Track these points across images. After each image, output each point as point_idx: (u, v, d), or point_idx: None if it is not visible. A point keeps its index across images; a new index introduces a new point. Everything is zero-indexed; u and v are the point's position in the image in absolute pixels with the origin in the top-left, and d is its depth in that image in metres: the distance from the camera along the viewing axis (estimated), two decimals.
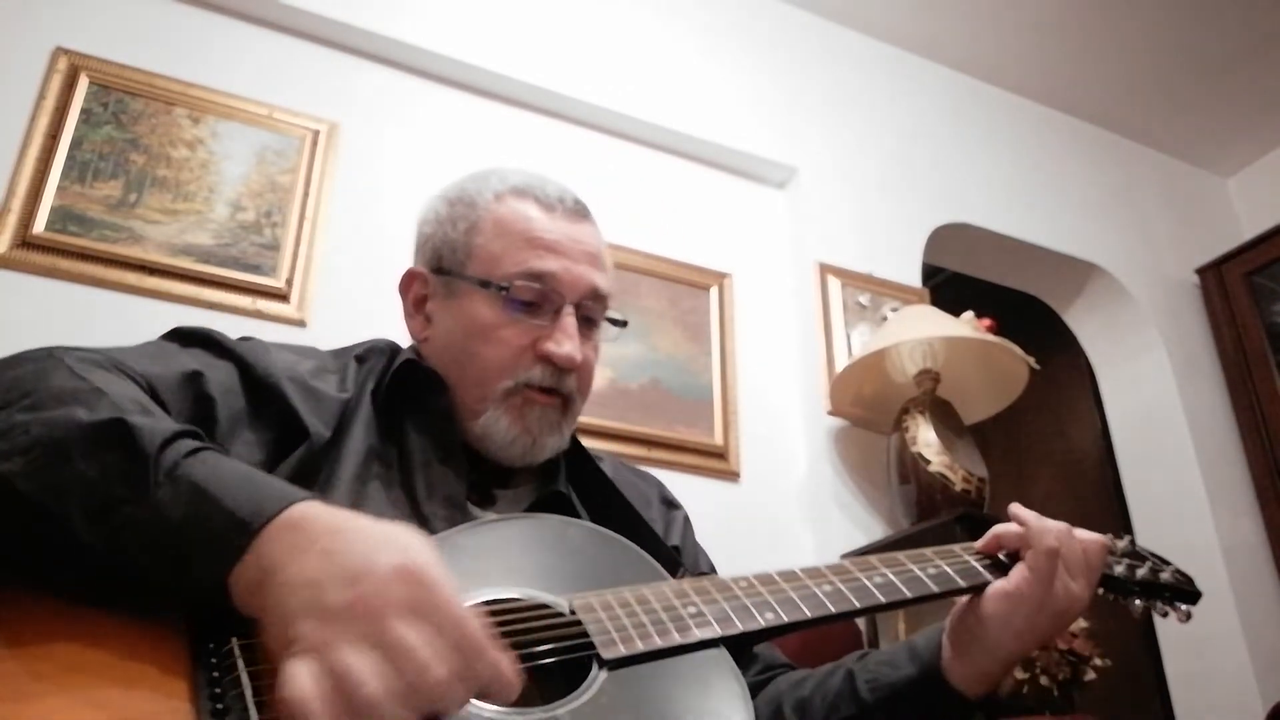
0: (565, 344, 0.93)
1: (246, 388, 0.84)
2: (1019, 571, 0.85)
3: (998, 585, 0.85)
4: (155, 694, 0.54)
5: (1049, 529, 0.87)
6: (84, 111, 1.98)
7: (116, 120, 2.01)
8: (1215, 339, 3.22)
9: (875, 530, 2.34)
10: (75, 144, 1.94)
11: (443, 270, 0.99)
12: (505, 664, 0.54)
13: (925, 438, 2.18)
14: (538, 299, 0.95)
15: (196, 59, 2.14)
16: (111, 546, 0.58)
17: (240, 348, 0.88)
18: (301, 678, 0.50)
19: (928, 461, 2.15)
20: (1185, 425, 2.99)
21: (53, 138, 1.92)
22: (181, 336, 0.88)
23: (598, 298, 0.98)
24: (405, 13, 2.36)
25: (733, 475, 2.33)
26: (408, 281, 1.04)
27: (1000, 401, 2.41)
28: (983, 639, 0.85)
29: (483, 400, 0.94)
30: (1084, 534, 0.90)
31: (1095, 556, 0.89)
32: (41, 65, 1.97)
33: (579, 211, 1.01)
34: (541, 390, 0.94)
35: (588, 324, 0.99)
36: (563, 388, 0.95)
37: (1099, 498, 3.36)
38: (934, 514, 2.11)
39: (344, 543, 0.56)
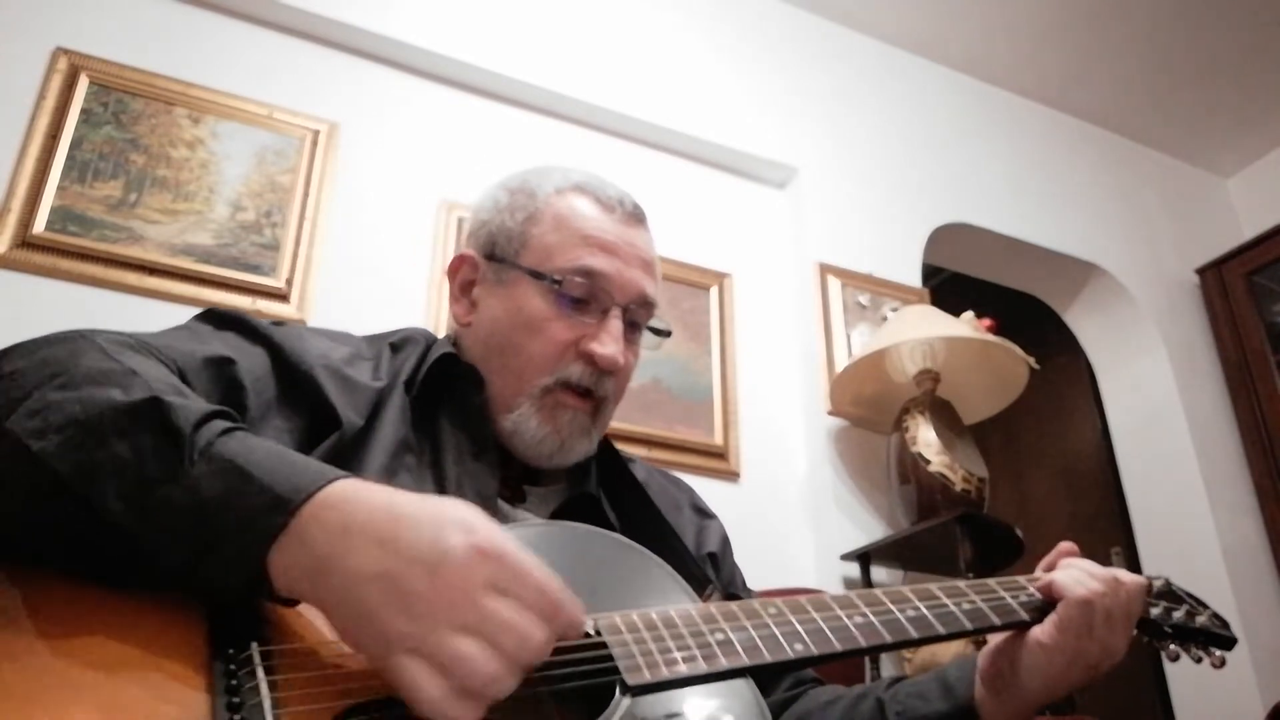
0: (610, 345, 0.93)
1: (279, 375, 0.83)
2: (1051, 621, 0.83)
3: (1032, 635, 0.83)
4: (171, 698, 0.54)
5: (1083, 580, 0.84)
6: (84, 111, 1.98)
7: (116, 120, 2.01)
8: (1215, 339, 3.22)
9: (875, 530, 2.34)
10: (75, 144, 1.94)
11: (495, 257, 0.99)
12: (579, 612, 0.58)
13: (925, 438, 2.17)
14: (587, 296, 0.94)
15: (196, 59, 2.14)
16: (145, 528, 0.57)
17: (275, 333, 0.86)
18: (425, 683, 0.52)
19: (928, 461, 2.15)
20: (1185, 425, 2.99)
21: (53, 138, 1.92)
22: (216, 319, 0.87)
23: (645, 304, 0.98)
24: (405, 12, 2.36)
25: (733, 475, 2.33)
26: (457, 264, 1.03)
27: (1000, 401, 2.41)
28: (1015, 685, 0.84)
29: (518, 394, 0.93)
30: (1127, 579, 0.87)
31: (1136, 604, 0.87)
32: (41, 65, 1.98)
33: (637, 216, 1.01)
34: (577, 392, 0.94)
35: (632, 329, 0.98)
36: (599, 390, 0.95)
37: (1099, 498, 3.36)
38: (934, 514, 2.11)
39: (402, 528, 0.56)
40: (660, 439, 2.26)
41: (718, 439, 2.34)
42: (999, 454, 3.62)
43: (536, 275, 0.94)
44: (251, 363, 0.82)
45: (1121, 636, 0.85)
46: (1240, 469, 3.01)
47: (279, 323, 0.91)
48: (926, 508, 2.14)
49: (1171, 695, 2.82)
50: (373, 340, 0.98)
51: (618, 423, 2.23)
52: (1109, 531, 3.24)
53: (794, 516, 2.37)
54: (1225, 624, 0.95)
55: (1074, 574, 0.85)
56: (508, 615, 0.54)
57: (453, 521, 0.56)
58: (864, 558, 2.24)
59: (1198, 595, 0.98)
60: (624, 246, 0.97)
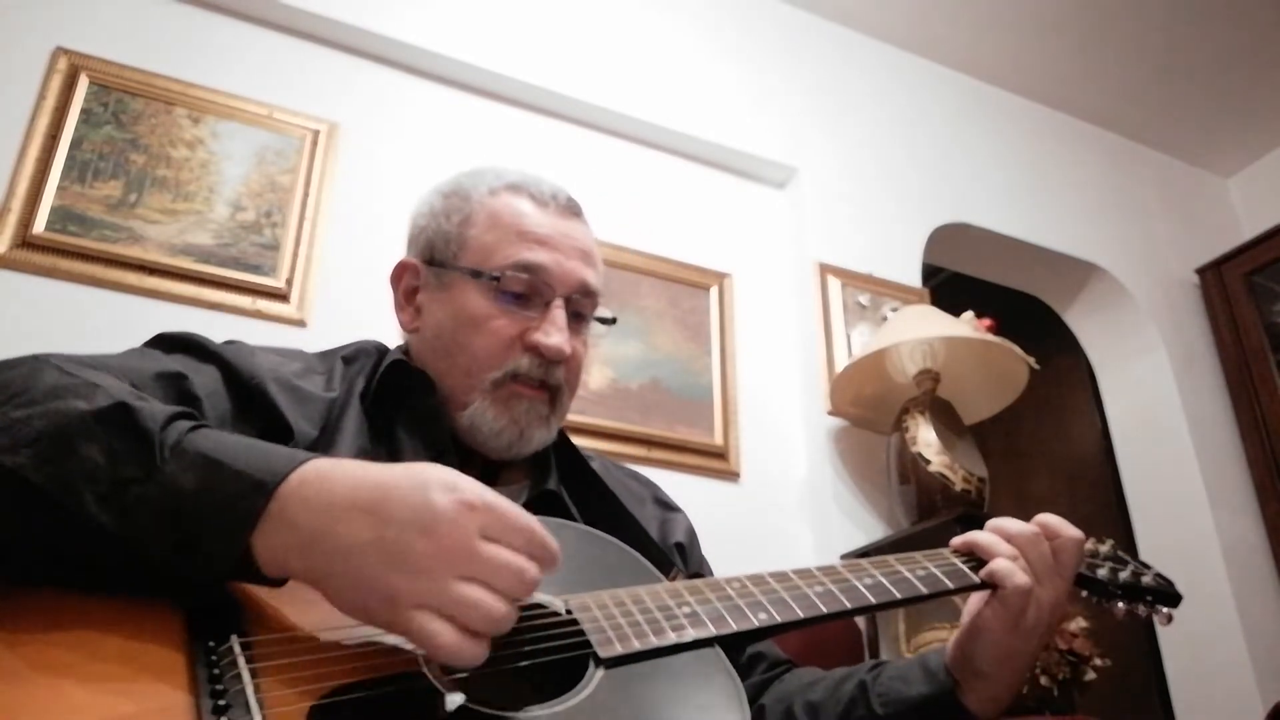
0: (554, 335, 0.94)
1: (231, 389, 0.85)
2: (992, 611, 0.86)
3: (979, 625, 0.86)
4: (156, 689, 0.55)
5: (1004, 547, 0.87)
6: (84, 111, 1.98)
7: (116, 120, 2.01)
8: (1215, 339, 3.22)
9: (875, 530, 2.34)
10: (75, 144, 1.94)
11: (435, 262, 1.00)
12: (556, 547, 0.62)
13: (925, 438, 2.17)
14: (528, 290, 0.96)
15: (196, 59, 2.14)
16: (126, 529, 0.58)
17: (224, 350, 0.88)
18: (439, 630, 0.56)
19: (928, 461, 2.15)
20: (1185, 425, 2.99)
21: (53, 138, 1.92)
22: (164, 342, 0.88)
23: (587, 293, 0.99)
24: (405, 13, 2.36)
25: (733, 475, 2.33)
26: (399, 273, 1.05)
27: (1000, 401, 2.41)
28: (980, 674, 0.87)
29: (470, 391, 0.95)
30: (1063, 532, 0.90)
31: (1068, 555, 0.90)
32: (41, 65, 1.97)
33: (571, 209, 1.03)
34: (529, 383, 0.95)
35: (577, 319, 0.99)
36: (550, 380, 0.96)
37: (1099, 498, 3.36)
38: (934, 514, 2.11)
39: (388, 496, 0.59)
40: (660, 439, 2.26)
41: (718, 439, 2.34)
42: (999, 454, 3.61)
43: (476, 274, 0.96)
44: (204, 379, 0.83)
45: (1050, 591, 0.87)
46: (1240, 469, 3.01)
47: (230, 342, 0.92)
48: (926, 508, 2.14)
49: (1172, 695, 2.82)
50: (325, 355, 1.00)
51: (618, 423, 2.25)
52: (1109, 531, 3.23)
53: (794, 516, 2.37)
54: (1170, 582, 0.99)
55: (1005, 561, 0.86)
56: (503, 558, 0.58)
57: (435, 482, 0.60)
58: (864, 558, 2.24)
59: (1147, 561, 1.02)
60: (560, 239, 0.98)
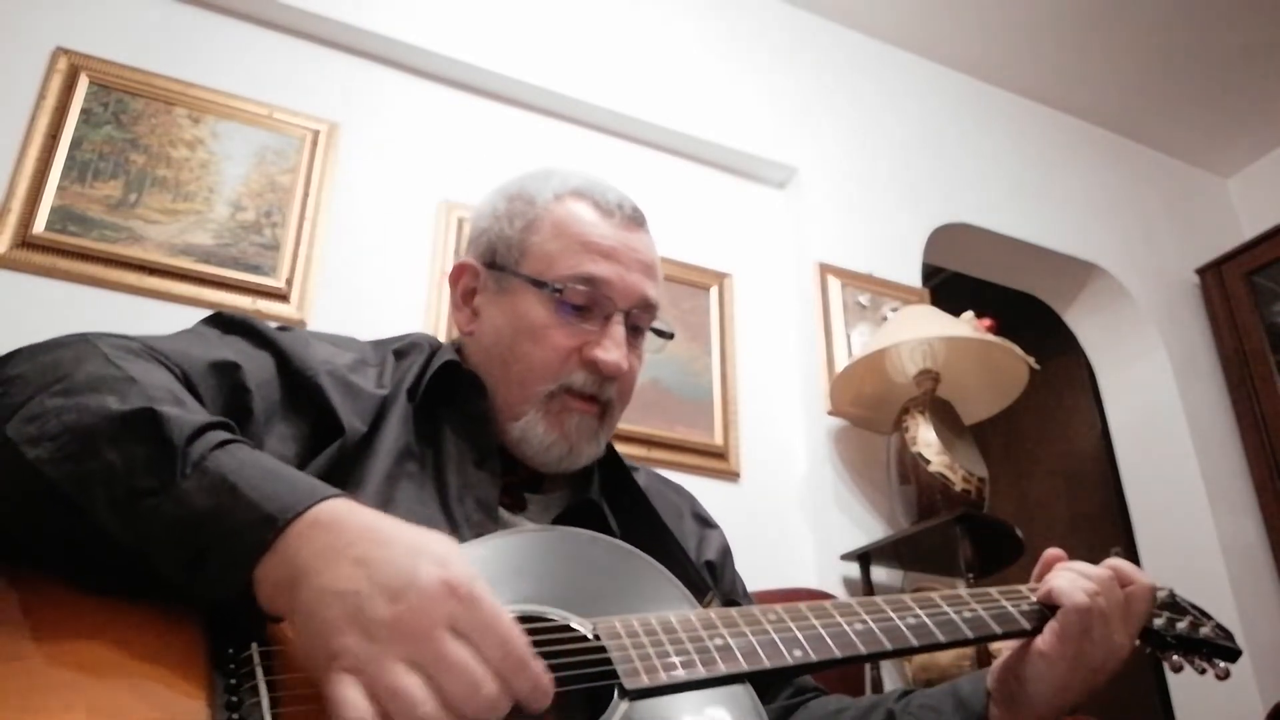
0: (613, 351, 0.93)
1: (283, 380, 0.84)
2: (1050, 630, 0.83)
3: (1034, 646, 0.83)
4: (170, 697, 0.54)
5: (1079, 584, 0.83)
6: (84, 111, 1.97)
7: (116, 120, 2.01)
8: (1215, 339, 3.22)
9: (875, 530, 2.33)
10: (75, 144, 1.94)
11: (496, 265, 0.99)
12: (544, 677, 0.55)
13: (925, 438, 2.17)
14: (589, 303, 0.94)
15: (196, 59, 2.14)
16: (135, 537, 0.58)
17: (280, 338, 0.87)
18: (356, 702, 0.50)
19: (928, 461, 2.15)
20: (1185, 425, 2.99)
21: (53, 138, 1.92)
22: (222, 323, 0.87)
23: (647, 307, 0.98)
24: (405, 13, 2.36)
25: (733, 475, 2.33)
26: (458, 273, 1.03)
27: (1000, 401, 2.41)
28: (1025, 699, 0.84)
29: (524, 401, 0.93)
30: (1137, 579, 0.87)
31: (1140, 603, 0.86)
32: (41, 65, 1.97)
33: (636, 220, 1.00)
34: (582, 397, 0.94)
35: (634, 333, 0.98)
36: (603, 395, 0.95)
37: (1099, 498, 3.36)
38: (934, 514, 2.11)
39: (380, 551, 0.55)
40: (660, 439, 2.26)
41: (718, 439, 2.34)
42: (999, 454, 3.62)
43: (537, 284, 0.94)
44: (257, 367, 0.82)
45: (1122, 636, 0.84)
46: (1240, 469, 3.01)
47: (285, 328, 0.91)
48: (926, 508, 2.14)
49: (1171, 696, 2.82)
50: (378, 346, 0.98)
51: (619, 423, 2.23)
52: (1109, 531, 3.24)
53: (794, 516, 2.37)
54: (1229, 635, 0.94)
55: (1070, 578, 0.84)
56: (460, 660, 0.52)
57: (429, 553, 0.56)
58: (864, 558, 2.24)
59: (1201, 606, 0.97)
60: (624, 251, 0.96)
